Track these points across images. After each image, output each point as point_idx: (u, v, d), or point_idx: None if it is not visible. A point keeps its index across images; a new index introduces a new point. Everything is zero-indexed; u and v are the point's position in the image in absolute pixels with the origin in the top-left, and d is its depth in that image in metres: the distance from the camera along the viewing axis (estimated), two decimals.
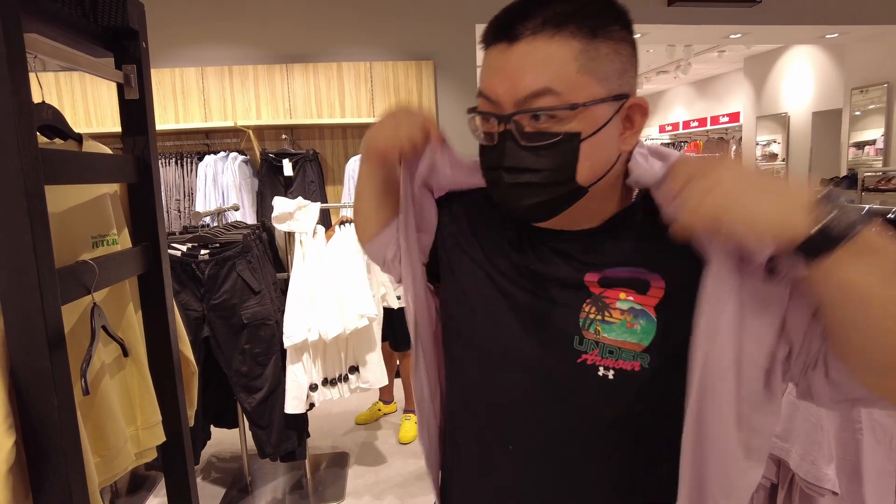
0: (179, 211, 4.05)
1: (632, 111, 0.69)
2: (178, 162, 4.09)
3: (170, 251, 2.38)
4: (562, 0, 0.65)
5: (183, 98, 4.17)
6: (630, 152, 0.73)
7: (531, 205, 0.70)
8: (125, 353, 1.22)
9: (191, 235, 2.48)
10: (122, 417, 1.22)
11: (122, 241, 1.29)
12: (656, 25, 4.54)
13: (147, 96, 1.27)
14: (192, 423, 1.52)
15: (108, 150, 1.28)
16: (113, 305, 1.24)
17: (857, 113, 5.59)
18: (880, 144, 5.34)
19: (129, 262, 1.22)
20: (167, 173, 4.06)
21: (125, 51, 1.25)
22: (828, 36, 5.32)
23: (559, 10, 0.64)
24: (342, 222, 2.65)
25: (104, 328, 1.11)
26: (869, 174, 4.65)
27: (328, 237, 2.58)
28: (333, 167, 4.37)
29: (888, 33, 5.07)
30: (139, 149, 1.28)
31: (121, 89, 1.26)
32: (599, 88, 0.66)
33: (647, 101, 0.70)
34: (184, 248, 2.44)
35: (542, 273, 0.76)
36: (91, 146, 1.23)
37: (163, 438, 1.33)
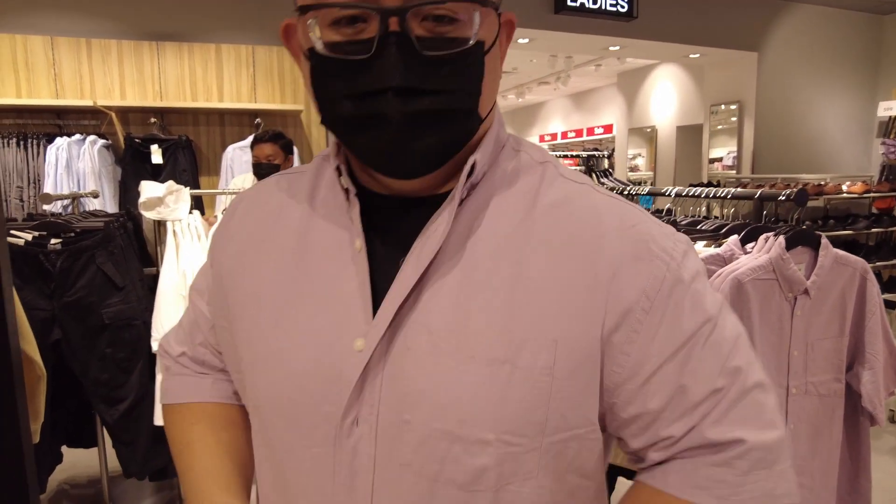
0: (22, 200, 3.49)
1: (502, 30, 0.56)
2: (21, 143, 3.53)
3: (9, 239, 2.01)
4: None
5: (27, 70, 3.61)
6: None
7: (432, 146, 0.49)
8: None
9: (37, 222, 2.12)
10: None
11: None
12: (542, 31, 4.68)
13: None
14: (36, 439, 1.25)
15: None
16: None
17: (713, 130, 6.16)
18: (727, 161, 5.93)
19: None
20: (5, 155, 3.49)
21: None
22: (691, 56, 5.82)
23: None
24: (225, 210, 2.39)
25: None
26: (727, 182, 5.16)
27: (206, 226, 2.31)
28: (209, 155, 4.00)
29: (740, 58, 5.66)
30: None
31: None
32: None
33: (515, 18, 0.58)
34: (28, 236, 2.07)
35: None
36: None
37: None
